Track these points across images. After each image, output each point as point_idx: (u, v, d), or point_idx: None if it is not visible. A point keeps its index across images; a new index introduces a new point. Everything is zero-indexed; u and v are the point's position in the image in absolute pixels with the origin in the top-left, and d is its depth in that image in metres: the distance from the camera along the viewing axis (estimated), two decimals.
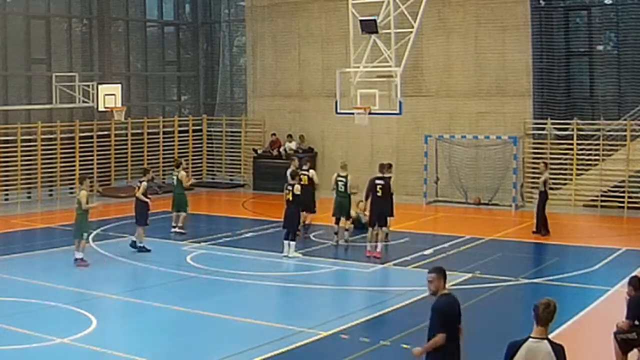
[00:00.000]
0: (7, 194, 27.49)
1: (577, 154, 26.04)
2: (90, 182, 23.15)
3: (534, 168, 26.20)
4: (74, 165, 28.98)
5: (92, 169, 29.57)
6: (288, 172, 19.27)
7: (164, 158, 31.78)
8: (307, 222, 20.82)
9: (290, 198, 18.63)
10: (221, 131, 33.49)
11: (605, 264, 17.90)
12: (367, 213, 19.56)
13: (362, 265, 18.07)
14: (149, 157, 31.40)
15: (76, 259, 17.58)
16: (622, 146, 25.41)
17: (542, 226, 21.45)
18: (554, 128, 26.44)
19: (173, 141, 32.46)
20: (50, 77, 27.18)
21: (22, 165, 27.64)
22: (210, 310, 14.19)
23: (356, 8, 22.69)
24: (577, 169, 26.16)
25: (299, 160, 21.26)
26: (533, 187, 25.70)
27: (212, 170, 33.41)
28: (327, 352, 12.31)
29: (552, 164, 26.49)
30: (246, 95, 33.26)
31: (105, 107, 26.65)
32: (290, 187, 18.69)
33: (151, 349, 12.13)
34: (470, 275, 16.57)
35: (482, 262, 18.04)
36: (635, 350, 10.58)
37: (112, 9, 31.00)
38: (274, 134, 31.22)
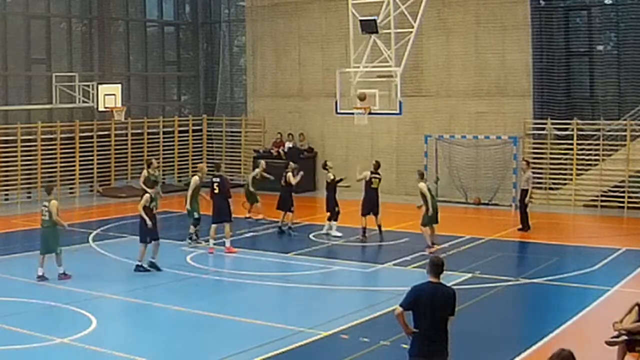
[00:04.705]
0: (7, 194, 27.50)
1: (577, 154, 26.03)
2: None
3: (534, 168, 26.18)
4: (74, 165, 28.99)
5: (92, 169, 29.59)
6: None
7: (164, 158, 31.76)
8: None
9: None
10: (221, 131, 33.48)
11: (605, 264, 17.89)
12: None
13: (362, 265, 18.10)
14: (149, 157, 31.32)
15: (60, 274, 16.11)
16: (622, 146, 25.41)
17: (524, 222, 21.92)
18: (554, 128, 26.43)
19: (173, 141, 32.45)
20: (50, 77, 27.19)
21: (22, 165, 27.63)
22: (210, 310, 14.19)
23: (356, 8, 22.66)
24: (577, 169, 26.14)
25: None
26: (533, 187, 25.63)
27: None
28: (327, 352, 12.31)
29: (552, 164, 26.56)
30: (246, 95, 33.25)
31: (105, 107, 26.67)
32: None
33: (151, 349, 12.13)
34: (470, 275, 16.57)
35: (482, 262, 18.03)
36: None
37: (112, 9, 31.00)
38: (279, 133, 31.19)
